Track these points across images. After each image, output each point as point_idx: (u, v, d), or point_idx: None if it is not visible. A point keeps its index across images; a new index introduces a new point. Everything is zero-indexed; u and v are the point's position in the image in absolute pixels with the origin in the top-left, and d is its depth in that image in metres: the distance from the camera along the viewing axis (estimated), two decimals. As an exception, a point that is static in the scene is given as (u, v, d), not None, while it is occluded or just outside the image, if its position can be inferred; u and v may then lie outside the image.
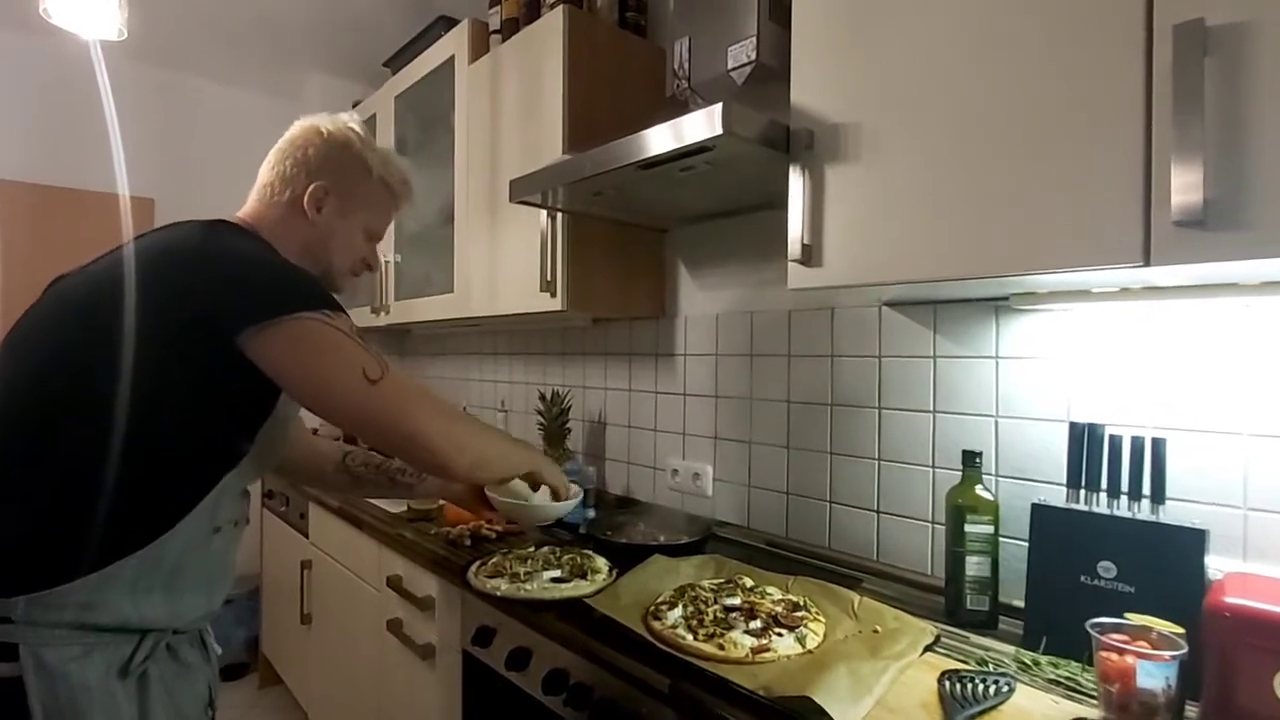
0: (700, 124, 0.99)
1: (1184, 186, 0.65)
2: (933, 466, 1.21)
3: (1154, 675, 0.70)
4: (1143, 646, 0.72)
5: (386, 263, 2.28)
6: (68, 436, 0.73)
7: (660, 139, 1.07)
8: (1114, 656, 0.73)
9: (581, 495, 1.04)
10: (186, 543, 0.79)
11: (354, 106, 2.68)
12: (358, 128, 1.00)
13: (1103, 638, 0.74)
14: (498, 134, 1.75)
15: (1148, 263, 0.69)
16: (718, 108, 0.96)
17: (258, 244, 0.88)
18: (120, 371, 0.73)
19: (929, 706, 0.77)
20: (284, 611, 2.30)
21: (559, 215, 1.54)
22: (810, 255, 1.00)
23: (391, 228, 2.26)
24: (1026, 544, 0.97)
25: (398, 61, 2.29)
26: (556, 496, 0.98)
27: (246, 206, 0.97)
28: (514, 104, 1.69)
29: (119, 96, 2.49)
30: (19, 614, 0.69)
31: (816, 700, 0.74)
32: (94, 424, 0.73)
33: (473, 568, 1.26)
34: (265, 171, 0.98)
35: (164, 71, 2.75)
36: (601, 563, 1.25)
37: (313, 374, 0.77)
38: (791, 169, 1.01)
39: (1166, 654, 0.71)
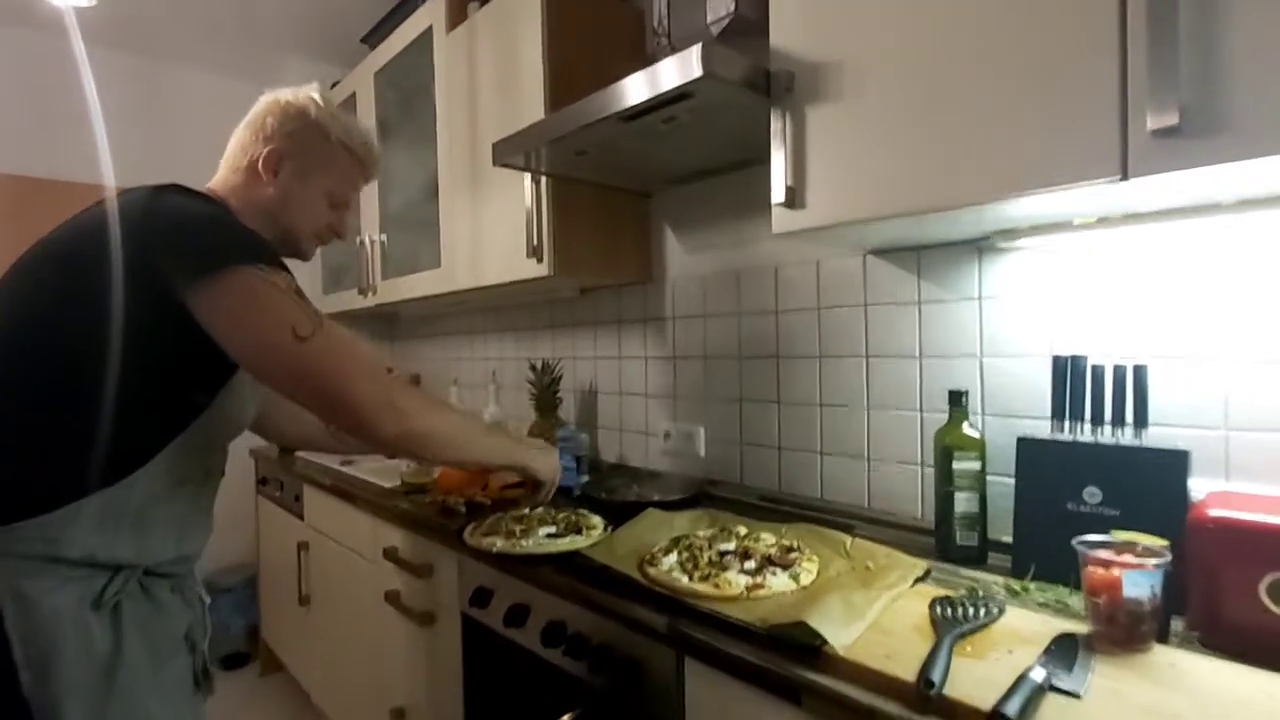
0: (680, 68, 0.99)
1: (1160, 94, 0.65)
2: (921, 411, 1.22)
3: (1139, 584, 0.71)
4: (1128, 559, 0.74)
5: (373, 242, 2.26)
6: (35, 381, 0.76)
7: (640, 87, 1.06)
8: (1100, 570, 0.74)
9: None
10: (150, 491, 0.82)
11: (333, 87, 2.65)
12: (317, 96, 1.02)
13: (1089, 552, 0.76)
14: (478, 102, 1.73)
15: (1125, 176, 0.70)
16: (696, 49, 0.95)
17: (203, 202, 0.89)
18: (80, 324, 0.77)
19: (921, 628, 0.78)
20: (282, 596, 2.30)
21: (543, 180, 1.54)
22: (794, 198, 1.00)
23: (375, 207, 2.26)
24: (1013, 481, 0.98)
25: (375, 37, 2.27)
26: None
27: (217, 176, 1.01)
28: (494, 71, 1.67)
29: (98, 87, 2.45)
30: None
31: (811, 624, 0.75)
32: (57, 371, 0.77)
33: (468, 529, 1.26)
34: (230, 144, 1.01)
35: (143, 60, 2.71)
36: (597, 520, 1.26)
37: (242, 329, 0.78)
38: (773, 112, 1.01)
39: (1151, 562, 0.72)
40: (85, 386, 0.77)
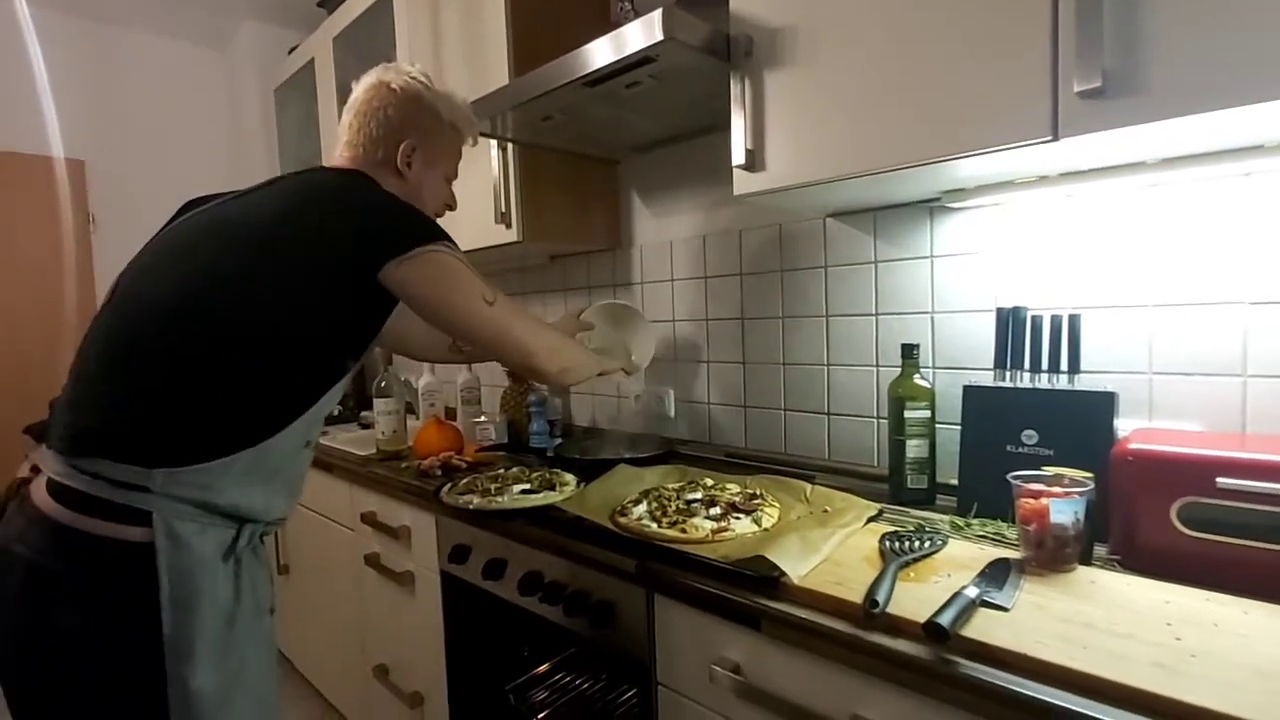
0: (641, 32, 1.01)
1: (1085, 59, 0.70)
2: (877, 366, 1.28)
3: (1064, 511, 0.78)
4: (1055, 489, 0.81)
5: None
6: (215, 341, 0.82)
7: (603, 51, 1.08)
8: (1030, 500, 0.81)
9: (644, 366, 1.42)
10: (286, 449, 0.90)
11: (290, 53, 2.58)
12: (423, 77, 1.06)
13: (1022, 485, 0.82)
14: (441, 69, 1.72)
15: (1056, 137, 0.75)
16: (657, 13, 0.98)
17: (382, 191, 0.97)
18: (267, 294, 0.84)
19: (870, 560, 0.85)
20: (260, 566, 2.31)
21: (510, 146, 1.55)
22: (753, 160, 1.04)
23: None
24: (960, 427, 1.05)
25: (333, 0, 2.22)
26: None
27: (347, 158, 1.04)
28: (457, 35, 1.66)
29: (44, 52, 2.36)
30: (157, 485, 0.79)
31: (770, 558, 0.80)
32: (237, 335, 0.83)
33: (445, 489, 1.30)
34: (351, 133, 1.04)
35: (92, 24, 2.60)
36: (570, 477, 1.31)
37: (444, 298, 0.91)
38: (732, 76, 1.04)
39: (1075, 491, 0.79)
40: (258, 352, 0.84)
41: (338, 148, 1.06)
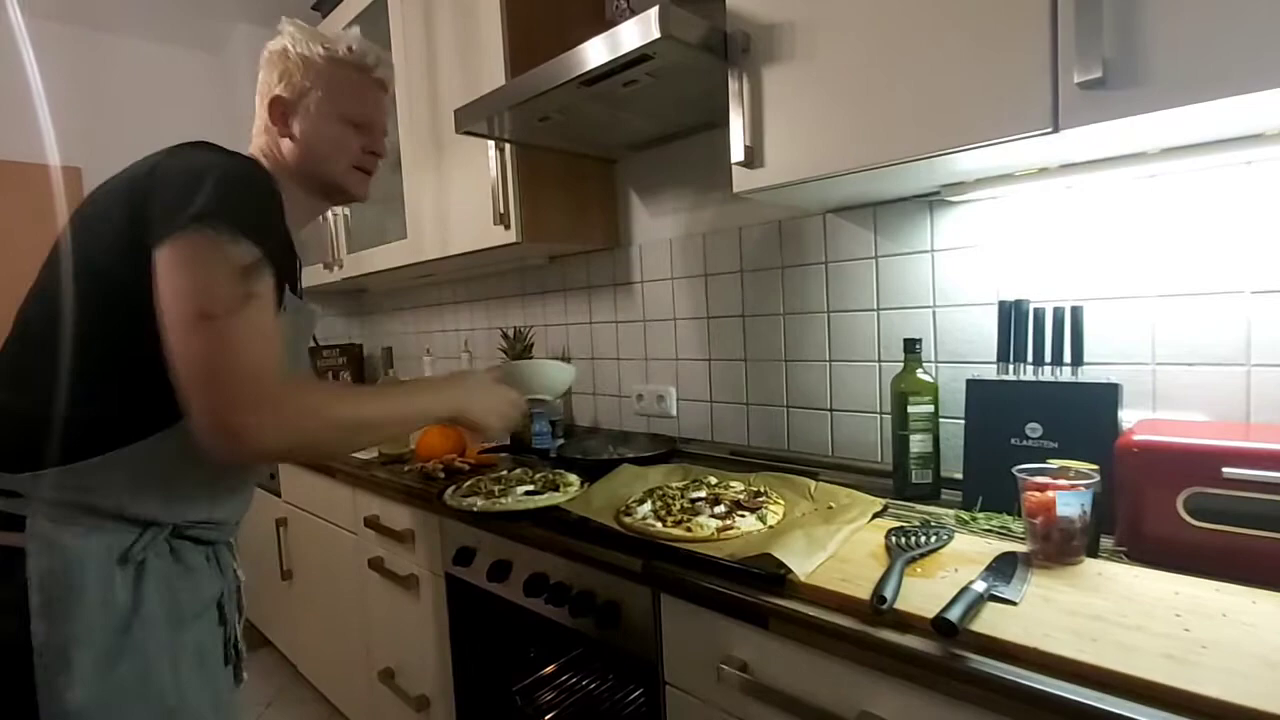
0: (638, 30, 1.01)
1: (1085, 50, 0.70)
2: (879, 361, 1.28)
3: (1071, 503, 0.78)
4: (1061, 482, 0.80)
5: (336, 215, 2.24)
6: (80, 328, 0.76)
7: (599, 51, 1.08)
8: (1037, 493, 0.81)
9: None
10: (179, 448, 0.77)
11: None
12: (290, 28, 0.97)
13: (1028, 478, 0.82)
14: (437, 70, 1.72)
15: (1057, 128, 0.75)
16: (653, 11, 0.97)
17: (220, 156, 0.80)
18: (115, 280, 0.75)
19: (876, 556, 0.85)
20: (264, 573, 2.31)
21: (507, 147, 1.54)
22: (752, 157, 1.03)
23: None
24: (963, 421, 1.05)
25: (327, 2, 2.21)
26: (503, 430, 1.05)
27: (254, 145, 0.97)
28: (453, 37, 1.66)
29: (38, 59, 2.35)
30: (26, 488, 0.73)
31: (776, 555, 0.80)
32: (97, 320, 0.76)
33: (448, 491, 1.30)
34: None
35: (84, 31, 2.60)
36: (573, 477, 1.30)
37: (162, 296, 0.71)
38: (730, 73, 1.04)
39: (1081, 483, 0.79)
40: (123, 338, 0.75)
41: None
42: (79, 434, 0.75)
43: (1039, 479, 0.82)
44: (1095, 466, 0.82)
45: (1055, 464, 0.86)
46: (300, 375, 0.85)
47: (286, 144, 0.94)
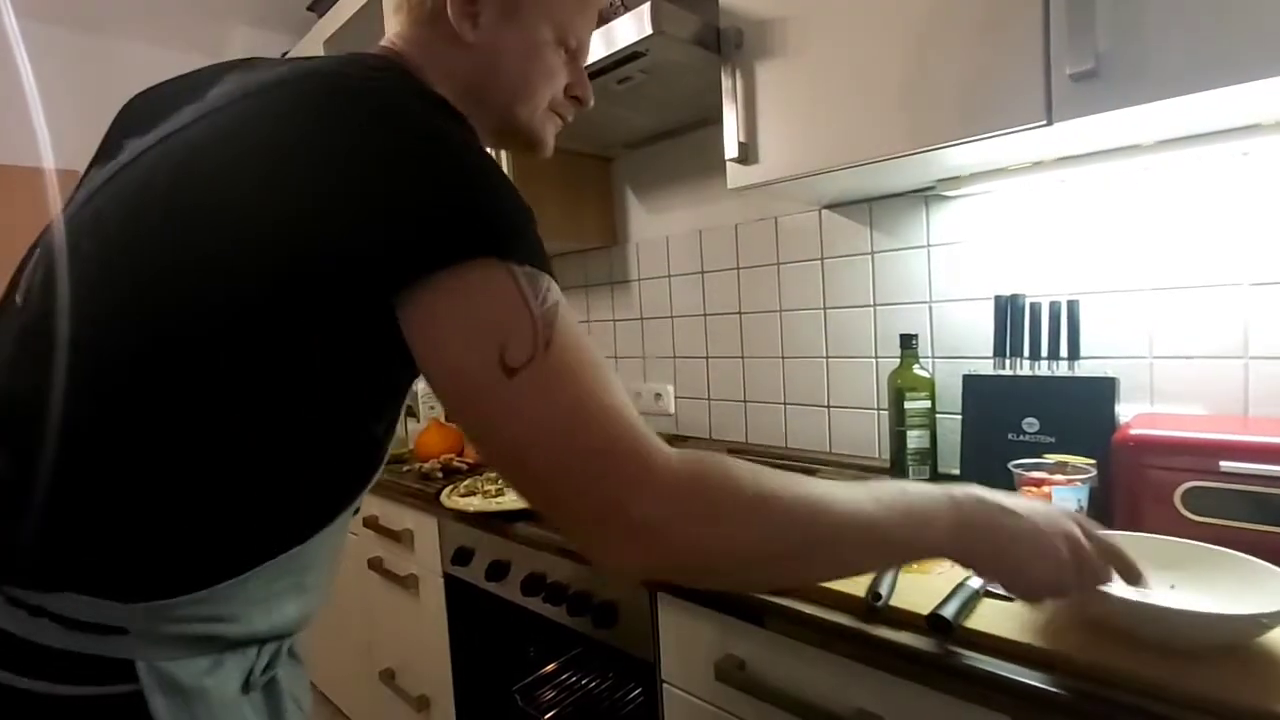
0: (631, 26, 1.00)
1: (1078, 41, 0.70)
2: (875, 357, 1.28)
3: (1067, 498, 0.78)
4: (1058, 477, 0.80)
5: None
6: (208, 400, 0.47)
7: (594, 47, 1.07)
8: (1033, 489, 0.80)
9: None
10: (324, 546, 0.58)
11: (283, 56, 2.58)
12: None
13: (1024, 474, 0.82)
14: (433, 69, 1.71)
15: (1050, 121, 0.74)
16: (646, 7, 0.97)
17: (427, 108, 0.50)
18: (264, 328, 0.47)
19: (873, 552, 0.84)
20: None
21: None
22: (747, 153, 1.03)
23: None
24: (960, 416, 1.05)
25: (322, 4, 2.21)
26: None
27: (390, 34, 0.64)
28: (447, 36, 1.65)
29: (34, 63, 2.35)
30: (137, 625, 0.49)
31: (770, 553, 0.80)
32: (224, 397, 0.48)
33: (446, 491, 1.30)
34: None
35: (82, 35, 2.60)
36: (570, 476, 1.30)
37: (442, 346, 0.46)
38: (724, 69, 1.03)
39: (1077, 478, 0.79)
40: (267, 421, 0.49)
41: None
42: (224, 547, 0.51)
43: (1035, 474, 0.82)
44: (1092, 461, 0.82)
45: (1051, 459, 0.85)
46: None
47: (461, 55, 0.60)
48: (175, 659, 0.51)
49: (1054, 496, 0.78)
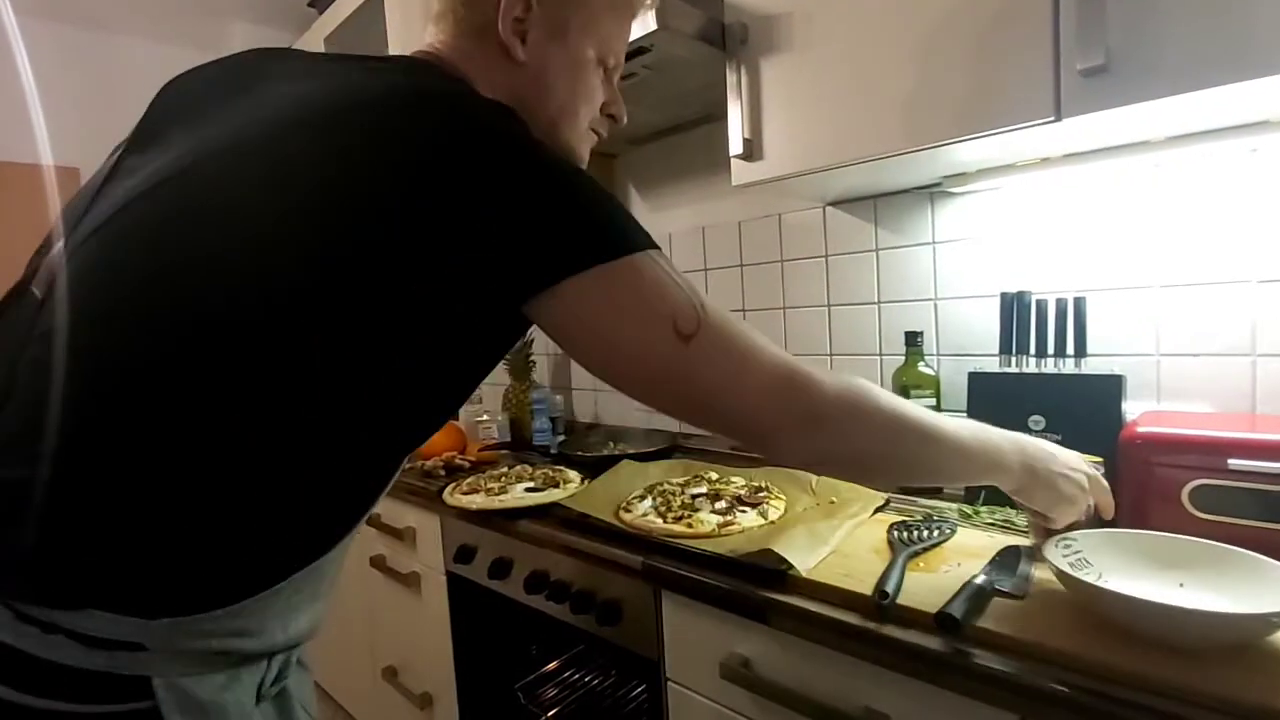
0: (635, 22, 0.99)
1: (1088, 36, 0.69)
2: (880, 354, 1.27)
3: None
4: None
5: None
6: (233, 420, 0.47)
7: (596, 43, 1.07)
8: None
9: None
10: (343, 553, 0.58)
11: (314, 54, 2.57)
12: None
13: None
14: (435, 65, 1.71)
15: (1059, 117, 0.74)
16: (650, 1, 0.96)
17: (513, 121, 0.53)
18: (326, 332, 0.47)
19: (879, 550, 0.84)
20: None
21: (504, 142, 1.53)
22: (751, 150, 1.02)
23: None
24: (966, 414, 1.04)
25: (323, 0, 2.20)
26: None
27: (431, 40, 0.64)
28: (449, 32, 1.64)
29: (31, 60, 2.35)
30: (157, 641, 0.48)
31: (777, 551, 0.80)
32: (269, 407, 0.47)
33: (448, 489, 1.29)
34: None
35: (81, 31, 2.59)
36: (573, 474, 1.30)
37: (610, 334, 0.52)
38: (728, 65, 1.03)
39: (1084, 475, 0.77)
40: (316, 428, 0.49)
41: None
42: (260, 559, 0.51)
43: None
44: (1099, 459, 0.82)
45: (1059, 457, 0.85)
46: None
47: (508, 71, 0.61)
48: (192, 675, 0.50)
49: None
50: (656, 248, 0.54)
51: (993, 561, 0.77)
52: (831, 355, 1.34)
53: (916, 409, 0.62)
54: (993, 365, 1.03)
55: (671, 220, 1.63)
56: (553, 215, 0.49)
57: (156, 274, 0.48)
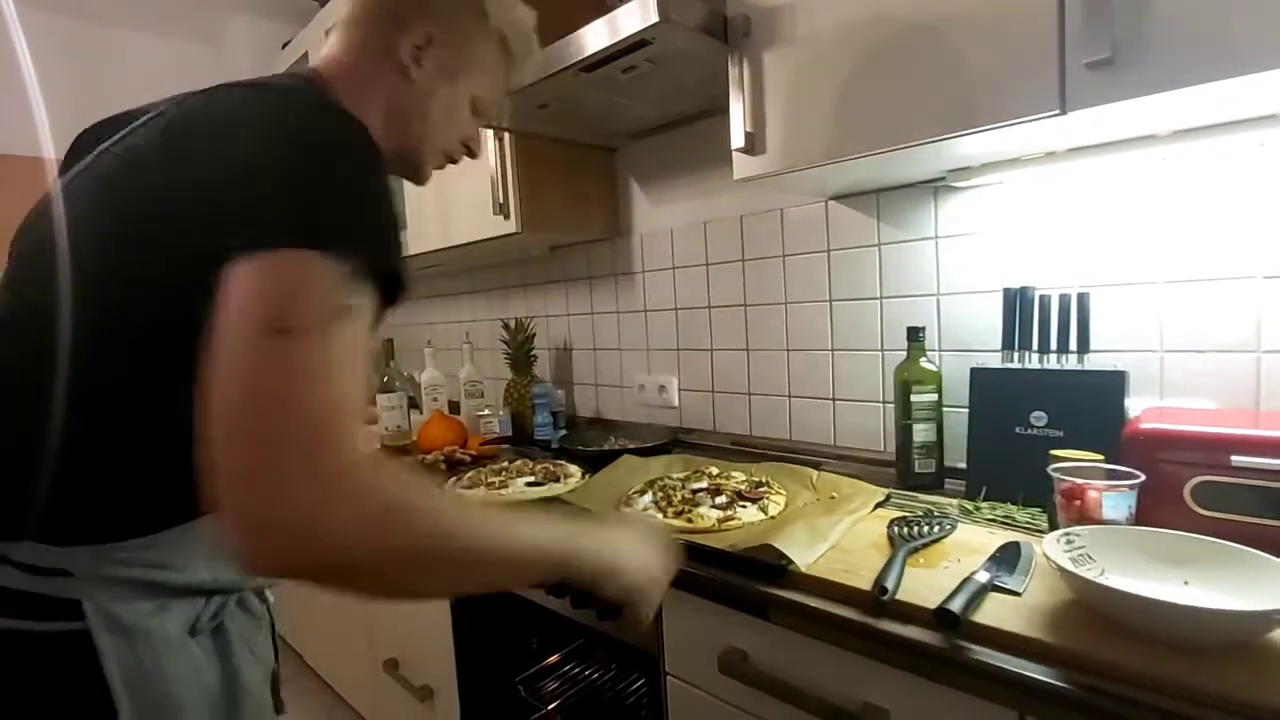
0: (637, 14, 0.99)
1: (1094, 29, 0.68)
2: (882, 350, 1.27)
3: (1118, 506, 0.75)
4: (1099, 483, 0.77)
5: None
6: (143, 363, 0.53)
7: (598, 35, 1.06)
8: (1077, 502, 0.77)
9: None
10: None
11: (283, 47, 2.56)
12: None
13: (1062, 478, 0.79)
14: (436, 58, 1.70)
15: (1064, 110, 0.73)
16: (652, -6, 0.95)
17: (303, 117, 0.59)
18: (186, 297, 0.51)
19: (879, 546, 0.84)
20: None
21: (506, 136, 1.53)
22: (753, 144, 1.02)
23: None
24: (967, 410, 1.04)
25: (325, -8, 2.19)
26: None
27: (326, 50, 0.71)
28: (450, 24, 1.64)
29: (31, 52, 2.34)
30: (80, 567, 0.54)
31: (777, 546, 0.79)
32: (167, 349, 0.52)
33: (449, 483, 1.29)
34: (354, 3, 0.71)
35: (81, 23, 2.58)
36: (574, 469, 1.30)
37: (218, 321, 0.47)
38: (730, 57, 1.02)
39: (1124, 484, 0.76)
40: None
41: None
42: (159, 497, 0.57)
43: (1076, 481, 0.77)
44: (1100, 457, 0.81)
45: (1059, 453, 0.84)
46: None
47: (396, 81, 0.70)
48: (121, 601, 0.55)
49: (1104, 505, 0.76)
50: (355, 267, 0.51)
51: (993, 557, 0.77)
52: (833, 350, 1.34)
53: (457, 509, 0.55)
54: (995, 361, 1.03)
55: (673, 215, 1.63)
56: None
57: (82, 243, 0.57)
